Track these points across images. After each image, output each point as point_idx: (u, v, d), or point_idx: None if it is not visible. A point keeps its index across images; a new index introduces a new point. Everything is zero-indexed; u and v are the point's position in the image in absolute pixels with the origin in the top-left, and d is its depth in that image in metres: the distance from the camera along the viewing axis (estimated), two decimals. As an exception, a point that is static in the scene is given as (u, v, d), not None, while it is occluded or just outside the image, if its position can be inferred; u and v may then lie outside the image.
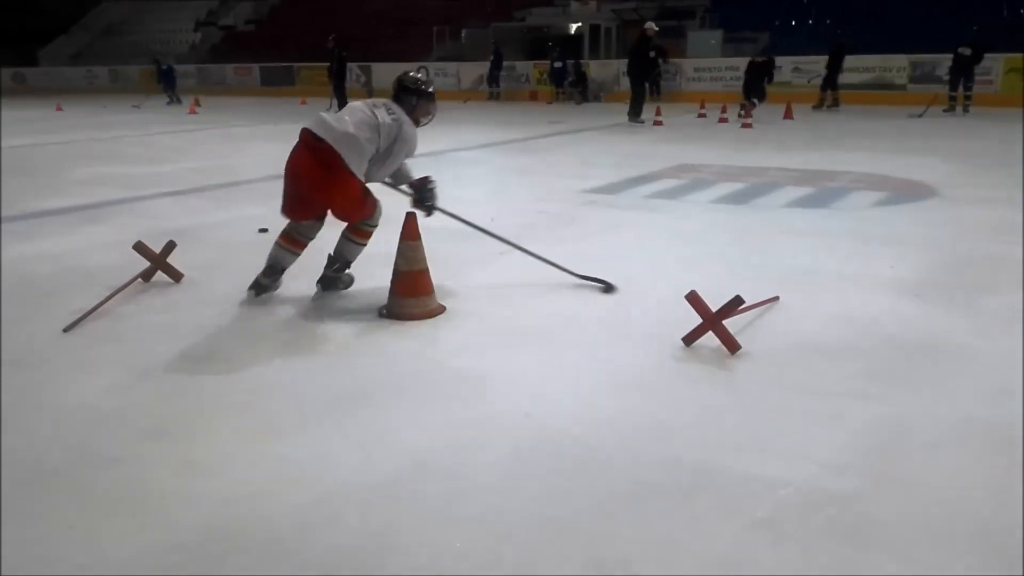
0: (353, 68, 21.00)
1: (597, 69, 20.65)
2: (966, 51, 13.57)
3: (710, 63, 19.45)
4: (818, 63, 16.16)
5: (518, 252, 4.32)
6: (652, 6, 22.21)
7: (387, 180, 4.05)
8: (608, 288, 4.00)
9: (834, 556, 1.93)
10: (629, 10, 22.85)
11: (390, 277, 3.73)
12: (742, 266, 3.77)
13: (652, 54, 13.50)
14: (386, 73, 23.67)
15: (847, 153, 9.32)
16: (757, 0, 20.64)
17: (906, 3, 17.88)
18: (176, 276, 4.30)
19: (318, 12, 26.29)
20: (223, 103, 21.22)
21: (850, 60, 15.57)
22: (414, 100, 3.96)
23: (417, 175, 4.08)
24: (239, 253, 4.81)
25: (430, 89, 4.06)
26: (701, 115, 14.61)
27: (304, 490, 2.24)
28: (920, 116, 13.46)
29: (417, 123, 3.98)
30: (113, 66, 30.61)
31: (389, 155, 3.82)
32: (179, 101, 21.45)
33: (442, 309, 3.75)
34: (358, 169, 3.69)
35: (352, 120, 3.71)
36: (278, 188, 3.86)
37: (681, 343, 3.27)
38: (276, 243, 4.02)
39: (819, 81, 15.75)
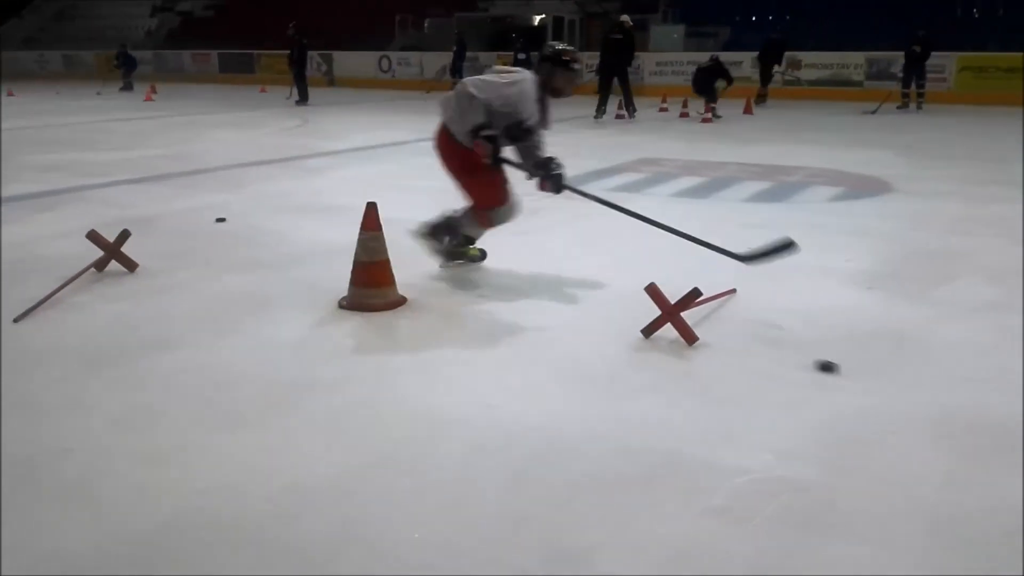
0: (314, 56, 20.78)
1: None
2: (917, 49, 13.84)
3: (672, 57, 19.57)
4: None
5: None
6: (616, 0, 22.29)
7: (513, 160, 3.96)
8: (787, 247, 3.66)
9: (788, 543, 1.96)
10: (592, 2, 22.89)
11: (351, 268, 3.70)
12: (702, 259, 3.82)
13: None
14: (348, 62, 23.50)
15: (804, 148, 9.46)
16: (719, -5, 20.83)
17: (864, 1, 18.20)
18: (131, 266, 4.22)
19: (278, -2, 25.90)
20: (180, 90, 20.83)
21: (809, 57, 15.75)
22: (550, 69, 3.91)
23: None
24: (195, 242, 4.75)
25: (567, 59, 3.95)
26: (663, 109, 14.70)
27: (264, 482, 2.22)
28: (874, 112, 13.70)
29: (556, 93, 3.93)
30: (67, 51, 29.85)
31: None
32: (131, 88, 20.99)
33: (403, 300, 3.74)
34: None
35: None
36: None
37: (641, 335, 3.30)
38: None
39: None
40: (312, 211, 5.86)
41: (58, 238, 4.90)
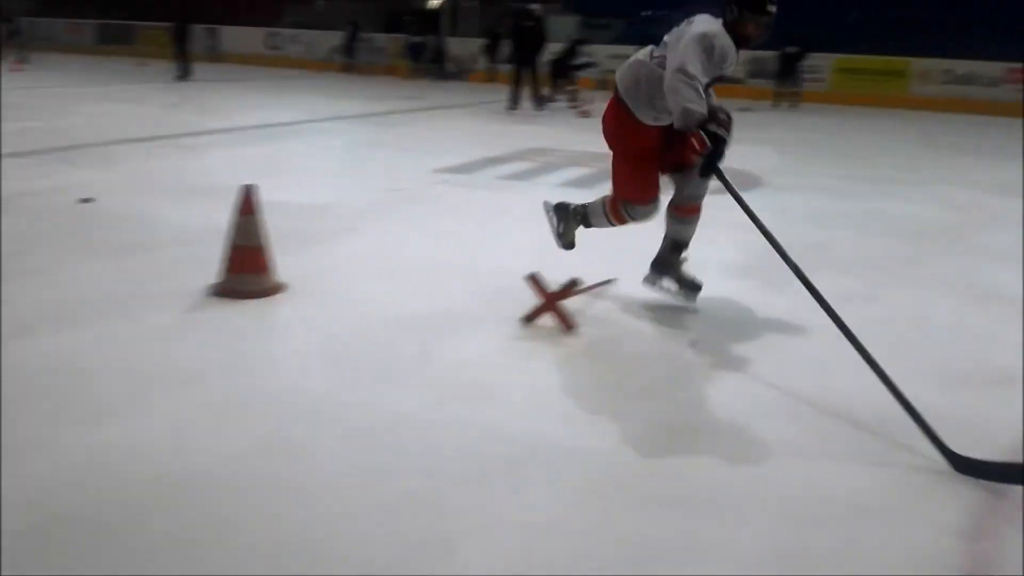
0: (198, 30, 19.92)
1: (458, 46, 20.53)
2: (792, 50, 14.48)
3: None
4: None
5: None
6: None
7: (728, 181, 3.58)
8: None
9: (650, 522, 2.06)
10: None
11: (222, 252, 3.59)
12: (586, 249, 3.89)
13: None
14: (236, 37, 22.64)
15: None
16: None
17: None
18: (-15, 248, 3.96)
19: (161, -33, 24.68)
20: (52, 60, 19.57)
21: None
22: (735, 11, 3.38)
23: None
24: (55, 223, 4.48)
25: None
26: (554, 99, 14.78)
27: (128, 475, 2.16)
28: (748, 110, 14.24)
29: (743, 43, 3.44)
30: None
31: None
32: None
33: (280, 287, 3.66)
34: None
35: None
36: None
37: (520, 322, 3.35)
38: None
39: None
40: (187, 192, 5.63)
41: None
